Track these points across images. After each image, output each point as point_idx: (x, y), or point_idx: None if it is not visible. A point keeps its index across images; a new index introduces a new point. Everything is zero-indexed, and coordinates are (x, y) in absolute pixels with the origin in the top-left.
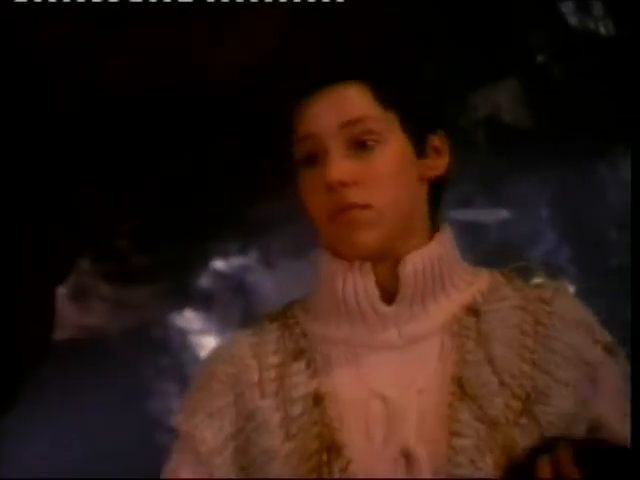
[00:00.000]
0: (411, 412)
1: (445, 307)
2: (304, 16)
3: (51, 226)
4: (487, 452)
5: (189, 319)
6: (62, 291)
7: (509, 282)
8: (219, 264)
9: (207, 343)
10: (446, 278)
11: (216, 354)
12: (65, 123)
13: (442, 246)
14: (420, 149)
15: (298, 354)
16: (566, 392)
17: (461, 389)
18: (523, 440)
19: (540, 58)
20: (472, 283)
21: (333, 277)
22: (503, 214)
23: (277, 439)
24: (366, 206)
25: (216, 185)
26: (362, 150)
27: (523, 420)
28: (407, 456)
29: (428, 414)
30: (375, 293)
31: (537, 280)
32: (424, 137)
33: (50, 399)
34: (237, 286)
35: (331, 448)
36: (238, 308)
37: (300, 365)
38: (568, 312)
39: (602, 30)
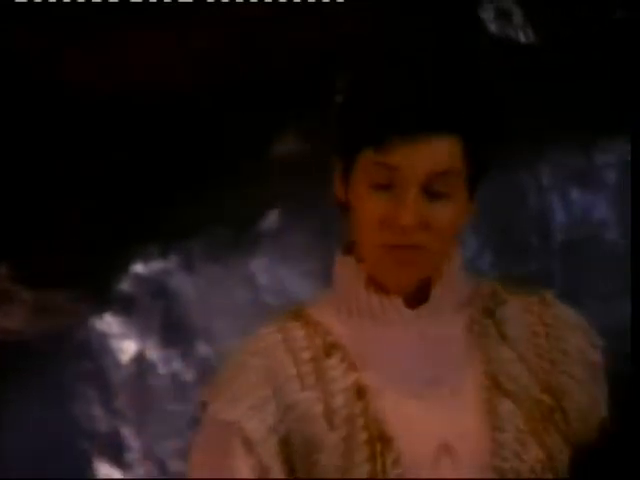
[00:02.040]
0: (448, 409)
1: (462, 310)
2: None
3: None
4: (528, 444)
5: (109, 323)
6: None
7: (503, 288)
8: (140, 268)
9: (128, 347)
10: (463, 290)
11: (244, 348)
12: None
13: (460, 258)
14: (474, 195)
15: (329, 350)
16: (581, 389)
17: (495, 385)
18: (556, 434)
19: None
20: (477, 288)
21: (357, 285)
22: None
23: (321, 429)
24: (420, 246)
25: (135, 187)
26: (435, 198)
27: (557, 415)
28: (448, 452)
29: (466, 411)
30: (400, 302)
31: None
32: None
33: None
34: (158, 290)
35: (382, 438)
36: (159, 312)
37: (334, 360)
38: (567, 315)
39: (522, 38)
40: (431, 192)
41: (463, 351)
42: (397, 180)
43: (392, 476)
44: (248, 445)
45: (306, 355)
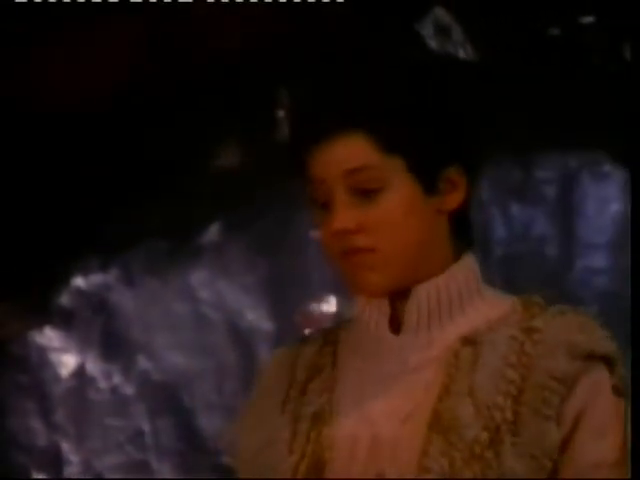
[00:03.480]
0: (392, 440)
1: (449, 336)
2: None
3: None
4: None
5: (49, 337)
6: None
7: (526, 310)
8: (79, 281)
9: (67, 361)
10: (456, 308)
11: (269, 363)
12: None
13: (453, 277)
14: (431, 187)
15: (319, 371)
16: (534, 418)
17: (437, 421)
18: (485, 475)
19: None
20: (485, 312)
21: (358, 308)
22: None
23: (281, 453)
24: (371, 250)
25: (74, 201)
26: (366, 197)
27: (488, 453)
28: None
29: (407, 444)
30: (385, 325)
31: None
32: (435, 175)
33: None
34: (98, 304)
35: (317, 465)
36: (98, 326)
37: (317, 383)
38: (553, 337)
39: (462, 54)
40: (361, 192)
41: (427, 380)
42: (326, 191)
43: None
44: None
45: (302, 375)
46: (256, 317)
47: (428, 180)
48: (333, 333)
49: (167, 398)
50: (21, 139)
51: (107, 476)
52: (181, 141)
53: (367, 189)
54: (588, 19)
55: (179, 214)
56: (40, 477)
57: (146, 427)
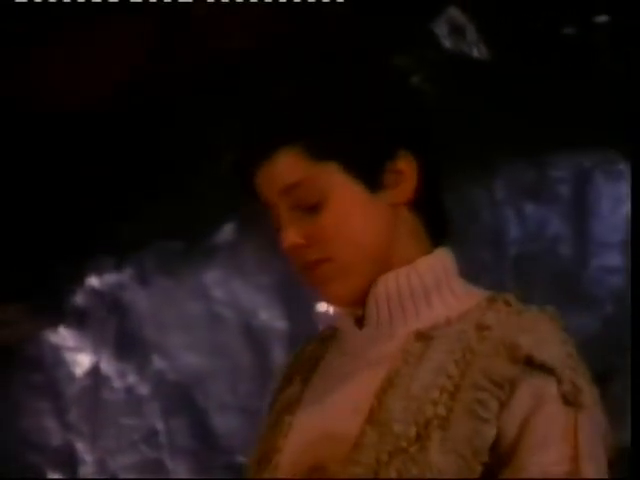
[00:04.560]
0: (341, 433)
1: (410, 330)
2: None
3: None
4: (380, 477)
5: (63, 336)
6: None
7: (489, 306)
8: (94, 281)
9: (81, 360)
10: (421, 302)
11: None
12: None
13: (416, 270)
14: (375, 183)
15: (307, 364)
16: (466, 416)
17: (372, 414)
18: (409, 470)
19: (413, 80)
20: (452, 307)
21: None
22: None
23: (258, 440)
24: (326, 260)
25: (90, 201)
26: (309, 210)
27: (413, 448)
28: (321, 474)
29: (350, 437)
30: (350, 320)
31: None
32: (376, 170)
33: None
34: (112, 303)
35: (267, 453)
36: (113, 325)
37: (301, 374)
38: (504, 336)
39: (476, 54)
40: (303, 207)
41: (381, 374)
42: (274, 211)
43: None
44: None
45: (294, 368)
46: (270, 316)
47: (369, 177)
48: (333, 330)
49: (181, 397)
50: (36, 138)
51: (121, 475)
52: (195, 141)
53: (307, 204)
54: (602, 18)
55: (193, 214)
56: (55, 477)
57: (160, 426)
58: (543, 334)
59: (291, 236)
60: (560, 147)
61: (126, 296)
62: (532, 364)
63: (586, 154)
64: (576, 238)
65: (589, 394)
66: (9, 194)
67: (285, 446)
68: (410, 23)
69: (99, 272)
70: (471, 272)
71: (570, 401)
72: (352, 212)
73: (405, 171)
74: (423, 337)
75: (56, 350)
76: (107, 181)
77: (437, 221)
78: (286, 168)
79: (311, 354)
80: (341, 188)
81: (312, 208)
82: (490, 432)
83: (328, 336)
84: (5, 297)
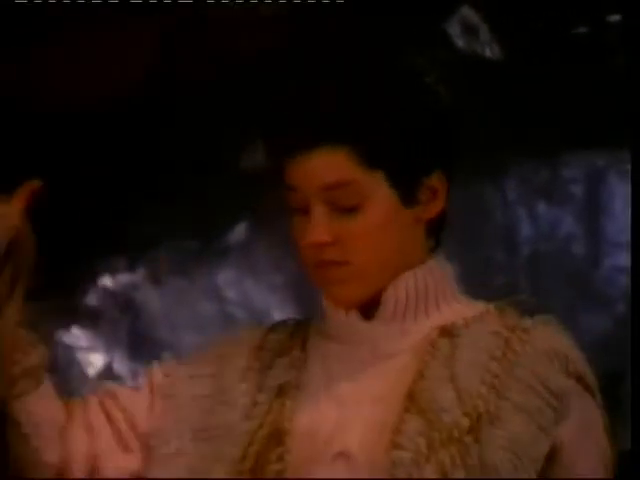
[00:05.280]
0: (361, 419)
1: (423, 329)
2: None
3: None
4: (427, 467)
5: (76, 336)
6: None
7: (499, 313)
8: (107, 281)
9: (94, 360)
10: (431, 303)
11: (230, 334)
12: None
13: (430, 271)
14: (410, 199)
15: (288, 350)
16: (522, 418)
17: (412, 402)
18: (464, 459)
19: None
20: (460, 311)
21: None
22: None
23: (236, 417)
24: (344, 263)
25: (102, 201)
26: (344, 211)
27: (467, 438)
28: (345, 458)
29: (377, 424)
30: (355, 313)
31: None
32: (416, 186)
33: None
34: (124, 303)
35: (274, 435)
36: (126, 326)
37: (285, 359)
38: (545, 342)
39: (488, 53)
40: (339, 207)
41: (401, 366)
42: (304, 200)
43: (271, 471)
44: (155, 389)
45: (267, 353)
46: (283, 316)
47: (408, 192)
48: (303, 324)
49: None
50: (47, 138)
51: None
52: (208, 141)
53: (347, 206)
54: (615, 17)
55: (206, 214)
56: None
57: None
58: (580, 355)
59: (319, 232)
60: (573, 147)
61: (139, 296)
62: (582, 382)
63: (599, 154)
64: (589, 238)
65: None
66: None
67: (295, 431)
68: (423, 23)
69: (112, 272)
70: (484, 272)
71: (608, 429)
72: (384, 223)
73: (438, 189)
74: (447, 334)
75: (69, 350)
76: (120, 181)
77: (437, 231)
78: (333, 166)
79: (285, 343)
80: (381, 197)
81: (348, 209)
82: (547, 442)
83: (300, 329)
84: None
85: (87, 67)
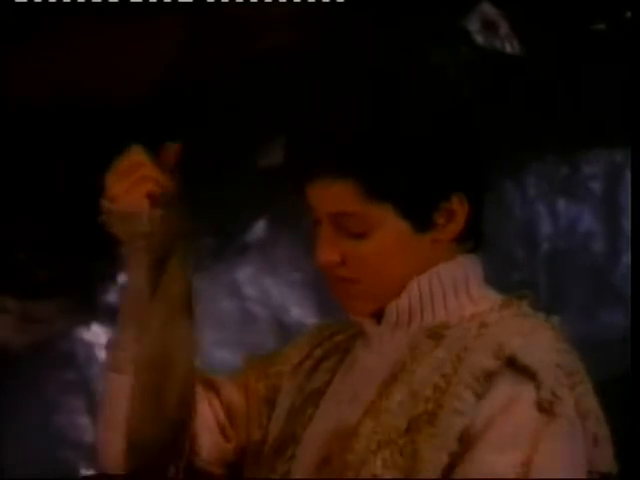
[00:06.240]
0: (352, 426)
1: (414, 328)
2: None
3: None
4: (362, 469)
5: (96, 333)
6: None
7: (502, 308)
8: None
9: None
10: (439, 305)
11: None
12: None
13: (437, 276)
14: (423, 225)
15: (335, 353)
16: (455, 414)
17: (372, 407)
18: (395, 461)
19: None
20: (467, 309)
21: None
22: None
23: (276, 418)
24: (355, 280)
25: None
26: (352, 235)
27: (402, 440)
28: (328, 464)
29: (347, 425)
30: (373, 321)
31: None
32: (428, 214)
33: None
34: None
35: (287, 439)
36: None
37: (329, 363)
38: (496, 335)
39: (508, 49)
40: (348, 231)
41: (388, 370)
42: (318, 218)
43: (276, 474)
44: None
45: (318, 353)
46: (302, 313)
47: (419, 220)
48: (342, 326)
49: None
50: (77, 135)
51: None
52: (228, 139)
53: (353, 231)
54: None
55: (225, 212)
56: (89, 473)
57: None
58: (537, 340)
59: (327, 253)
60: (592, 143)
61: None
62: (514, 365)
63: (619, 151)
64: (608, 234)
65: (569, 407)
66: (42, 193)
67: (303, 439)
68: (443, 20)
69: None
70: (503, 269)
71: (545, 408)
72: (394, 250)
73: (457, 212)
74: (434, 335)
75: (89, 347)
76: None
77: (473, 233)
78: (339, 197)
79: (339, 345)
80: (390, 226)
81: (356, 235)
82: (460, 423)
83: (357, 332)
84: (37, 294)
85: (105, 65)
